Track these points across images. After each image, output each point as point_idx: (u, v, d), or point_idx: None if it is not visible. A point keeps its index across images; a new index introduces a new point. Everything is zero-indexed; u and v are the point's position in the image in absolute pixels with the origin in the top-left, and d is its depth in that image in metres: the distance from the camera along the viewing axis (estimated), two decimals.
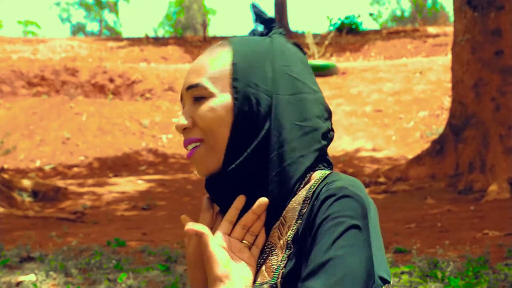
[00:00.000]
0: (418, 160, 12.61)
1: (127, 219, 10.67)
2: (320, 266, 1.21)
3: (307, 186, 1.34)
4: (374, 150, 16.48)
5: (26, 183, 12.52)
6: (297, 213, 1.32)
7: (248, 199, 1.35)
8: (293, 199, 1.34)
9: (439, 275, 5.76)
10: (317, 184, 1.32)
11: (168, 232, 9.17)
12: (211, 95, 1.36)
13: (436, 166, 12.05)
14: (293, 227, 1.31)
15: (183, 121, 1.38)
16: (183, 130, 1.39)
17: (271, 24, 1.47)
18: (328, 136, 1.43)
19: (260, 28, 1.48)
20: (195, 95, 1.38)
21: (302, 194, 1.34)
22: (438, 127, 16.63)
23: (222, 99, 1.36)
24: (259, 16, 1.47)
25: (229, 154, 1.35)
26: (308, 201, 1.31)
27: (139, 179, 14.43)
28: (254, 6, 1.47)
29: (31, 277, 6.36)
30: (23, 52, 25.41)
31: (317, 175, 1.36)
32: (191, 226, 1.30)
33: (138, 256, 7.52)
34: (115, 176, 15.31)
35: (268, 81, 1.37)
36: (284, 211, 1.35)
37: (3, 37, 29.10)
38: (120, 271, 6.63)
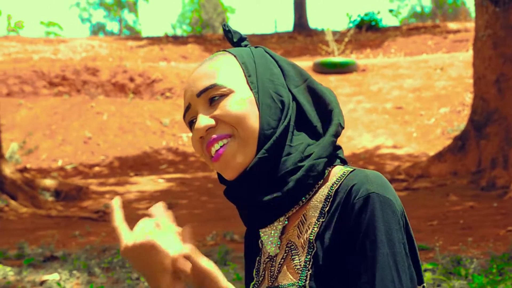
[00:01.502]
0: (439, 156, 12.53)
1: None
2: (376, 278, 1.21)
3: (328, 183, 1.33)
4: (394, 147, 16.41)
5: (49, 182, 12.61)
6: (318, 211, 1.31)
7: (265, 195, 1.32)
8: (314, 197, 1.33)
9: (463, 272, 5.73)
10: (340, 182, 1.30)
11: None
12: (230, 92, 1.34)
13: (458, 163, 11.97)
14: (315, 225, 1.30)
15: (206, 121, 1.34)
16: (206, 131, 1.34)
17: (243, 42, 1.47)
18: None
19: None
20: (212, 96, 1.34)
21: (323, 192, 1.32)
22: (460, 123, 16.52)
23: (243, 94, 1.34)
24: (233, 34, 1.47)
25: (260, 146, 1.32)
26: (330, 199, 1.30)
27: (159, 178, 14.48)
28: (225, 25, 1.48)
29: (54, 276, 6.41)
30: (44, 52, 25.58)
31: (338, 171, 1.34)
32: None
33: None
34: (136, 175, 15.37)
35: (279, 76, 1.38)
36: (304, 209, 1.33)
37: (25, 38, 29.32)
38: None
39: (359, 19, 29.22)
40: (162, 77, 20.94)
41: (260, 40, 28.60)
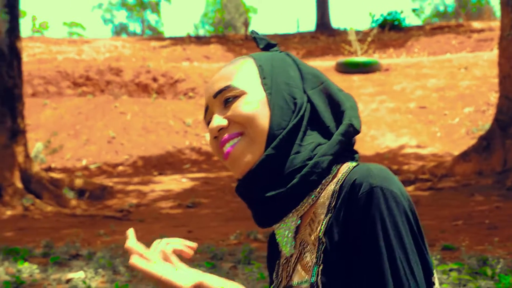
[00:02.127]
0: (464, 156, 12.44)
1: (173, 217, 10.75)
2: (376, 277, 1.21)
3: (335, 180, 1.34)
4: (418, 146, 16.31)
5: (73, 182, 12.70)
6: (326, 207, 1.32)
7: (278, 195, 1.34)
8: (322, 194, 1.34)
9: (489, 272, 5.68)
10: (344, 178, 1.31)
11: (213, 230, 9.21)
12: (243, 93, 1.39)
13: (483, 162, 11.88)
14: (323, 222, 1.31)
15: (219, 121, 1.39)
16: (219, 131, 1.40)
17: (272, 48, 1.52)
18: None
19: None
20: (226, 97, 1.40)
21: (330, 188, 1.34)
22: (484, 123, 16.39)
23: (256, 95, 1.38)
24: (261, 40, 1.52)
25: (269, 144, 1.35)
26: (336, 194, 1.31)
27: (183, 177, 14.52)
28: (253, 32, 1.53)
29: (80, 274, 6.45)
30: (68, 53, 25.77)
31: (344, 168, 1.36)
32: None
33: None
34: (160, 174, 15.43)
35: (296, 80, 1.42)
36: (314, 207, 1.35)
37: (49, 38, 29.56)
38: None
39: (382, 18, 29.10)
40: (185, 77, 21.01)
41: (282, 40, 28.59)
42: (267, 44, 1.51)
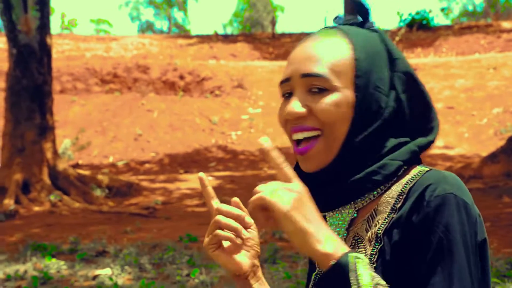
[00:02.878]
0: (492, 157, 12.33)
1: (198, 215, 10.77)
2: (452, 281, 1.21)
3: (403, 181, 1.32)
4: (446, 147, 16.19)
5: (100, 178, 12.79)
6: (390, 207, 1.30)
7: (342, 187, 1.34)
8: (387, 193, 1.32)
9: None
10: (415, 181, 1.30)
11: None
12: (333, 89, 1.32)
13: None
14: (385, 220, 1.30)
15: (299, 108, 1.33)
16: (295, 118, 1.34)
17: (368, 15, 1.44)
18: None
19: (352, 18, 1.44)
20: (315, 85, 1.32)
21: (396, 188, 1.32)
22: None
23: (345, 95, 1.32)
24: (360, 5, 1.43)
25: (345, 150, 1.33)
26: (403, 196, 1.29)
27: (209, 176, 14.56)
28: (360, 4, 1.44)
29: (107, 271, 6.49)
30: (96, 50, 25.95)
31: (414, 170, 1.34)
32: None
33: None
34: (185, 172, 15.48)
35: (385, 81, 1.35)
36: (376, 204, 1.33)
37: (78, 36, 29.80)
38: (192, 267, 6.71)
39: (410, 17, 28.91)
40: (211, 75, 21.05)
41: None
42: (362, 10, 1.43)
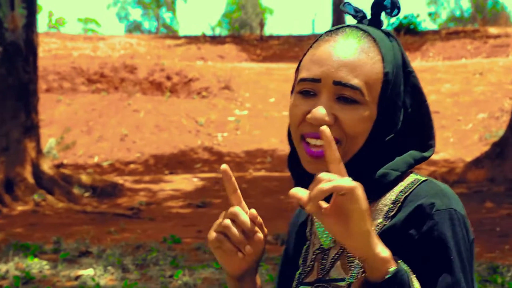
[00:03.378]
0: (477, 162, 12.39)
1: (183, 216, 10.76)
2: None
3: (396, 188, 1.33)
4: None
5: (85, 178, 12.74)
6: (383, 214, 1.31)
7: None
8: (380, 200, 1.33)
9: (499, 280, 5.65)
10: (410, 190, 1.31)
11: None
12: (364, 103, 1.30)
13: (496, 169, 11.82)
14: (377, 227, 1.30)
15: (324, 115, 1.29)
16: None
17: (381, 10, 1.41)
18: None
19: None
20: (346, 95, 1.30)
21: (390, 196, 1.32)
22: (498, 129, 16.30)
23: (371, 111, 1.31)
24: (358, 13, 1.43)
25: (355, 159, 1.33)
26: (398, 204, 1.30)
27: (194, 177, 14.53)
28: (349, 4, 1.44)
29: (89, 271, 6.47)
30: (83, 49, 25.86)
31: (409, 178, 1.35)
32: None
33: (194, 253, 7.58)
34: (171, 173, 15.45)
35: (401, 96, 1.36)
36: (369, 210, 1.33)
37: (65, 34, 29.69)
38: (176, 268, 6.70)
39: (397, 21, 29.00)
40: (199, 76, 21.03)
41: (297, 41, 28.55)
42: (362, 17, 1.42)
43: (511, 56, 22.72)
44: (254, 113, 19.02)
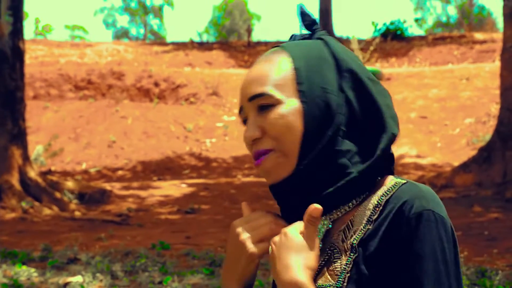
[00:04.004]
0: (464, 167, 12.44)
1: (171, 223, 10.74)
2: None
3: (379, 192, 1.33)
4: (418, 156, 16.32)
5: (73, 185, 12.69)
6: (366, 218, 1.31)
7: (313, 201, 1.33)
8: (363, 204, 1.34)
9: (488, 284, 5.67)
10: (391, 194, 1.31)
11: (212, 236, 9.20)
12: (278, 102, 1.34)
13: (483, 174, 11.87)
14: (360, 232, 1.31)
15: (252, 132, 1.36)
16: (253, 141, 1.37)
17: (313, 26, 1.46)
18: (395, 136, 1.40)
19: (303, 31, 1.47)
20: (261, 104, 1.36)
21: (373, 200, 1.32)
22: (485, 134, 16.39)
23: (290, 105, 1.34)
24: (306, 17, 1.46)
25: (303, 158, 1.33)
26: (379, 208, 1.30)
27: (182, 183, 14.51)
28: (301, 8, 1.47)
29: (78, 278, 6.44)
30: (70, 56, 25.79)
31: (389, 182, 1.35)
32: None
33: (183, 260, 7.57)
34: (159, 179, 15.43)
35: (332, 82, 1.36)
36: (352, 215, 1.34)
37: (51, 41, 29.60)
38: (165, 274, 6.68)
39: (384, 27, 29.12)
40: (186, 82, 21.02)
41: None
42: (308, 23, 1.46)
43: (497, 61, 22.83)
44: None
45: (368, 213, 1.31)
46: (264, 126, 1.35)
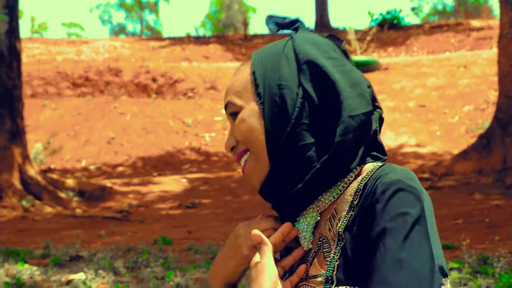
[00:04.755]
0: (464, 155, 12.43)
1: (173, 218, 10.74)
2: (390, 269, 1.21)
3: (359, 178, 1.35)
4: (418, 145, 16.31)
5: (73, 183, 12.69)
6: (348, 204, 1.33)
7: (289, 199, 1.38)
8: (345, 191, 1.35)
9: (490, 271, 5.68)
10: (369, 176, 1.33)
11: (214, 230, 9.21)
12: (240, 108, 1.42)
13: (483, 161, 11.87)
14: (344, 218, 1.32)
15: (228, 141, 1.45)
16: (231, 149, 1.46)
17: (295, 24, 1.50)
18: (376, 120, 1.40)
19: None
20: (229, 112, 1.44)
21: (353, 186, 1.35)
22: (484, 121, 16.38)
23: (249, 109, 1.40)
24: (282, 25, 1.50)
25: (271, 159, 1.37)
26: (359, 192, 1.32)
27: (182, 178, 14.51)
28: (270, 17, 1.50)
29: (80, 276, 6.44)
30: (67, 53, 25.75)
31: (369, 167, 1.37)
32: (258, 233, 1.34)
33: (185, 254, 7.57)
34: (159, 175, 15.42)
35: (288, 77, 1.37)
36: (335, 204, 1.36)
37: (48, 39, 29.55)
38: (167, 269, 6.68)
39: (381, 17, 29.09)
40: (184, 77, 20.99)
41: (281, 39, 28.54)
42: (288, 24, 1.50)
43: (495, 48, 22.81)
44: None
45: (350, 199, 1.33)
46: (234, 134, 1.43)
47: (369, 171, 1.34)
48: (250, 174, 1.41)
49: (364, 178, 1.33)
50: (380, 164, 1.36)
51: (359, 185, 1.33)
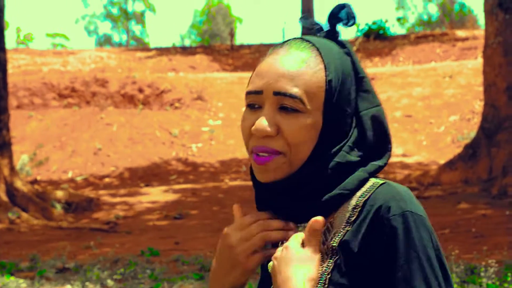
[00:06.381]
0: (450, 165, 12.49)
1: (160, 229, 10.71)
2: None
3: (358, 194, 1.34)
4: (404, 155, 16.37)
5: (59, 194, 12.63)
6: (345, 220, 1.32)
7: (302, 204, 1.35)
8: (343, 206, 1.34)
9: (477, 281, 5.70)
10: (369, 195, 1.32)
11: (201, 241, 9.19)
12: (305, 111, 1.32)
13: (469, 171, 11.92)
14: (339, 233, 1.32)
15: (268, 127, 1.31)
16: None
17: (338, 22, 1.43)
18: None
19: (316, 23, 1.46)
20: (287, 105, 1.32)
21: (352, 201, 1.33)
22: (470, 131, 16.47)
23: (315, 119, 1.32)
24: (339, 11, 1.42)
25: (304, 167, 1.34)
26: (358, 209, 1.31)
27: (170, 189, 14.48)
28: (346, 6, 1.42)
29: None
30: (53, 64, 25.68)
31: (369, 183, 1.36)
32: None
33: (172, 266, 7.54)
34: (146, 186, 15.38)
35: (352, 103, 1.37)
36: (332, 217, 1.35)
37: (34, 50, 29.46)
38: (155, 281, 6.66)
39: (366, 27, 29.20)
40: (171, 87, 20.98)
41: (267, 49, 28.61)
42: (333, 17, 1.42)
43: (480, 58, 22.98)
44: (227, 122, 19.02)
45: (347, 214, 1.32)
46: (282, 128, 1.32)
47: (368, 187, 1.34)
48: (274, 170, 1.32)
49: (363, 195, 1.32)
50: (380, 181, 1.35)
51: (357, 200, 1.32)
